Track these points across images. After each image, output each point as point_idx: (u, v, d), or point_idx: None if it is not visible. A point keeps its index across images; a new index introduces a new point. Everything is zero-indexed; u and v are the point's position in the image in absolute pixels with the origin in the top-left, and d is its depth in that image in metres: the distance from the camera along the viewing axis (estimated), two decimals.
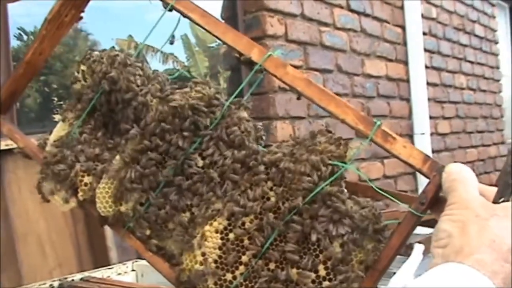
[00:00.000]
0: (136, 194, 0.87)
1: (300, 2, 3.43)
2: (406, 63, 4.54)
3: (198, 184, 0.84)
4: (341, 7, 3.82)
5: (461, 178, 0.65)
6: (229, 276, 0.79)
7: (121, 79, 0.93)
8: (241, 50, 0.84)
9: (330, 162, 0.77)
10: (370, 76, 4.07)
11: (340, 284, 0.73)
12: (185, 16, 0.88)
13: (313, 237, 0.76)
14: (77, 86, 0.99)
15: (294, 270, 0.76)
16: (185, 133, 0.85)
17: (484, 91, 6.25)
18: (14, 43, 12.84)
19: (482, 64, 6.25)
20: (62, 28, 1.06)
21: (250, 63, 0.84)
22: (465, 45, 5.84)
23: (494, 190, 0.65)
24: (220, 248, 0.80)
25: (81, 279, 1.75)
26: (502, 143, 6.68)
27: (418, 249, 0.64)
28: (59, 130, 1.01)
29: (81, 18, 1.09)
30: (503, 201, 0.63)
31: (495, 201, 0.63)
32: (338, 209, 0.75)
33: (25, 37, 12.67)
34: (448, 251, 0.59)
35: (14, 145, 2.17)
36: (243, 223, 0.79)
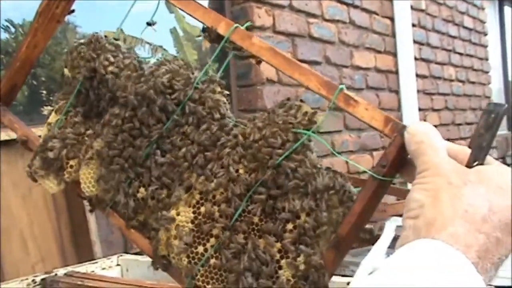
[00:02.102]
0: (116, 173, 0.91)
1: None
2: (395, 55, 4.54)
3: (172, 161, 0.87)
4: None
5: (428, 140, 0.61)
6: (200, 248, 0.81)
7: (97, 63, 0.96)
8: (209, 24, 0.87)
9: (293, 130, 0.77)
10: (359, 68, 4.06)
11: (305, 253, 0.72)
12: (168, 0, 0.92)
13: (279, 208, 0.76)
14: (65, 73, 1.03)
15: (261, 241, 0.76)
16: (157, 114, 0.88)
17: (473, 83, 6.26)
18: (2, 35, 12.75)
19: (471, 56, 6.26)
20: (54, 20, 1.07)
21: (218, 37, 0.85)
22: (454, 37, 5.85)
23: (466, 151, 0.62)
24: (192, 222, 0.82)
25: (65, 274, 1.72)
26: None
27: (389, 227, 0.61)
28: (51, 118, 1.05)
29: (73, 11, 1.10)
30: (477, 165, 0.60)
31: (468, 165, 0.60)
32: (302, 179, 0.74)
33: (13, 29, 12.57)
34: (419, 223, 0.56)
35: None
36: (214, 196, 0.81)
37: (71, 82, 1.02)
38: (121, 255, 1.96)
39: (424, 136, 0.61)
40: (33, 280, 1.69)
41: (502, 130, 7.36)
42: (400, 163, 0.66)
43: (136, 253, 2.00)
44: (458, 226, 0.54)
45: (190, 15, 0.89)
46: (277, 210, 0.76)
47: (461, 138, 5.76)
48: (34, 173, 1.01)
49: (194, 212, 0.82)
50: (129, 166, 0.90)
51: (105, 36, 1.02)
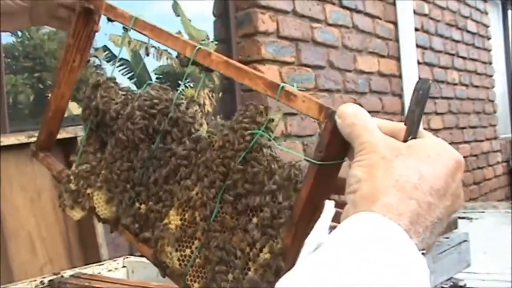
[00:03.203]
0: (120, 195, 1.01)
1: None
2: (398, 59, 4.56)
3: (162, 176, 0.96)
4: (333, 3, 3.83)
5: (359, 121, 0.63)
6: (188, 251, 0.88)
7: (100, 105, 1.05)
8: (178, 50, 0.95)
9: (249, 132, 0.82)
10: (362, 72, 4.09)
11: (269, 244, 0.77)
12: (141, 33, 1.02)
13: (245, 205, 0.82)
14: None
15: (234, 237, 0.82)
16: (141, 136, 0.98)
17: (476, 86, 6.27)
18: (9, 39, 12.82)
19: (474, 60, 6.27)
20: (74, 72, 1.16)
21: (187, 60, 0.94)
22: (458, 41, 5.86)
23: (401, 127, 0.65)
24: (180, 228, 0.90)
25: (72, 275, 1.75)
26: (495, 138, 6.71)
27: (329, 205, 0.64)
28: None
29: (89, 61, 1.18)
30: (411, 139, 0.63)
31: (405, 140, 0.63)
32: (260, 175, 0.80)
33: (19, 33, 12.63)
34: (357, 197, 0.59)
35: (5, 143, 2.18)
36: (194, 202, 0.88)
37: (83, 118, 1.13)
38: (127, 257, 1.98)
39: (354, 118, 0.64)
40: (41, 282, 1.72)
41: (506, 134, 7.37)
42: (341, 147, 0.68)
43: (141, 256, 2.03)
44: (391, 196, 0.57)
45: (163, 44, 0.98)
46: (245, 207, 0.82)
47: (465, 142, 5.78)
48: (63, 206, 1.11)
49: (180, 219, 0.90)
50: (130, 187, 1.00)
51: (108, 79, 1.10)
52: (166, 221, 0.92)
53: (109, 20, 1.07)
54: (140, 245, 0.98)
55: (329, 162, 0.70)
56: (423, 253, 0.56)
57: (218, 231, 0.85)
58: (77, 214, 1.09)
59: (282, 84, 0.77)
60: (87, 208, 1.07)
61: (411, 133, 0.64)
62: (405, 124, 0.65)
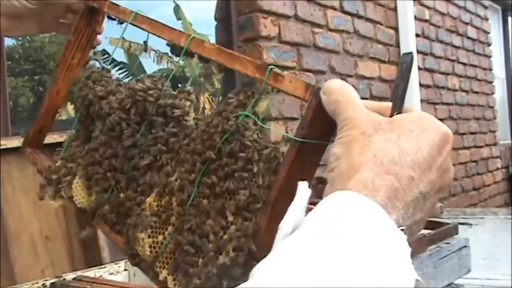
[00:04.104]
0: (99, 182, 0.98)
1: (293, 3, 3.45)
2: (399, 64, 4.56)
3: (144, 165, 0.94)
4: (334, 9, 3.84)
5: (344, 97, 0.61)
6: (160, 237, 0.86)
7: (89, 95, 1.04)
8: (174, 40, 0.95)
9: (234, 115, 0.81)
10: (363, 77, 4.10)
11: (243, 226, 0.75)
12: (139, 27, 1.02)
13: (224, 188, 0.79)
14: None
15: (209, 221, 0.80)
16: (127, 122, 0.97)
17: (476, 92, 6.29)
18: (9, 42, 12.82)
19: (475, 66, 6.28)
20: (72, 70, 1.15)
21: (181, 49, 0.94)
22: (458, 47, 5.88)
23: (388, 105, 0.63)
24: (155, 214, 0.87)
25: (74, 278, 1.75)
26: (495, 144, 6.72)
27: (303, 186, 0.61)
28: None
29: (100, 32, 1.15)
30: (396, 114, 0.61)
31: (391, 116, 0.61)
32: (240, 158, 0.79)
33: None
34: (335, 175, 0.57)
35: (7, 146, 2.19)
36: (172, 188, 0.86)
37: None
38: None
39: (339, 95, 0.61)
40: (43, 284, 1.72)
41: (506, 140, 7.38)
42: (326, 127, 0.65)
43: None
44: (366, 171, 0.55)
45: (159, 36, 0.98)
46: (223, 190, 0.80)
47: (465, 148, 5.78)
48: (43, 195, 1.09)
49: (157, 206, 0.88)
50: (111, 175, 0.97)
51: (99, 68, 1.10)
52: (142, 207, 0.90)
53: (110, 18, 1.07)
54: (115, 235, 0.95)
55: (311, 141, 0.66)
56: (402, 230, 0.53)
57: (193, 215, 0.82)
58: (56, 203, 1.06)
59: (271, 67, 0.76)
60: (65, 197, 1.04)
61: (396, 109, 0.62)
62: (391, 101, 0.63)
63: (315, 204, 0.57)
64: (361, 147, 0.57)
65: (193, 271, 0.79)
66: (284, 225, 0.55)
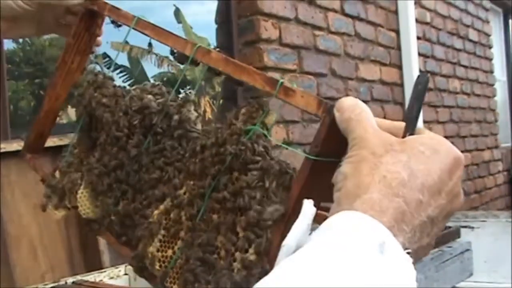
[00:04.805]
0: (105, 193, 0.97)
1: (294, 6, 3.44)
2: (400, 67, 4.57)
3: (150, 176, 0.93)
4: (335, 11, 3.83)
5: (356, 116, 0.60)
6: (169, 252, 0.85)
7: (92, 103, 1.02)
8: (179, 49, 0.94)
9: (245, 129, 0.80)
10: (364, 80, 4.09)
11: (255, 243, 0.73)
12: (142, 33, 1.00)
13: (230, 205, 0.78)
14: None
15: (219, 237, 0.79)
16: (133, 132, 0.95)
17: (478, 95, 6.28)
18: (10, 45, 12.83)
19: (476, 69, 6.28)
20: (71, 74, 1.12)
21: (186, 58, 0.93)
22: (459, 50, 5.87)
23: (401, 125, 0.62)
24: (164, 228, 0.86)
25: (73, 282, 1.74)
26: (496, 147, 6.71)
27: (307, 204, 0.60)
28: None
29: (99, 35, 1.13)
30: (409, 135, 0.60)
31: (403, 137, 0.60)
32: (249, 174, 0.77)
33: (20, 39, 12.65)
34: (341, 195, 0.56)
35: (7, 149, 2.18)
36: (181, 202, 0.85)
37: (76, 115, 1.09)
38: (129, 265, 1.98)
39: (352, 113, 0.60)
40: None
41: (507, 143, 7.37)
42: (339, 144, 0.64)
43: None
44: (374, 192, 0.54)
45: (163, 43, 0.96)
46: (234, 205, 0.78)
47: (466, 151, 5.77)
48: (46, 204, 1.07)
49: (165, 219, 0.86)
50: (117, 186, 0.96)
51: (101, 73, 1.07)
52: (150, 220, 0.89)
53: (112, 22, 1.05)
54: (122, 247, 0.94)
55: (325, 159, 0.65)
56: (408, 253, 0.52)
57: (203, 231, 0.81)
58: (59, 213, 1.05)
59: (281, 80, 0.75)
60: (69, 207, 1.03)
61: (409, 130, 0.61)
62: (404, 121, 0.62)
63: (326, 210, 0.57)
64: (370, 167, 0.56)
65: (204, 287, 0.78)
66: (288, 242, 0.55)
